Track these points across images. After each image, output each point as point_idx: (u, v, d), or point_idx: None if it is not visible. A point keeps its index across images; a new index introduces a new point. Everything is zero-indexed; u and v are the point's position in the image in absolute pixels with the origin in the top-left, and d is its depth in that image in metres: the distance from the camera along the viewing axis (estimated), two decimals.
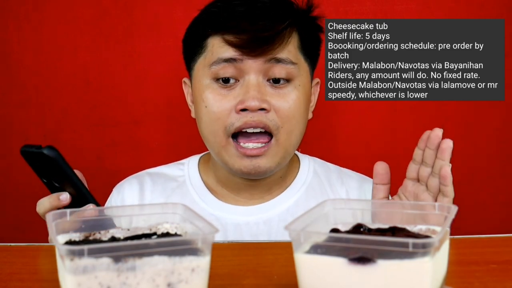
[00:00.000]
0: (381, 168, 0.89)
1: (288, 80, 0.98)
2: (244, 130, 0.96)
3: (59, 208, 0.83)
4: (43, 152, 0.76)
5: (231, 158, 0.98)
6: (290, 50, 0.97)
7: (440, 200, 0.82)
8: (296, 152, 1.13)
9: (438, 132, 0.83)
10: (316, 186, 1.08)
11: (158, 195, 1.08)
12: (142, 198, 1.09)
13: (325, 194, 1.07)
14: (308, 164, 1.11)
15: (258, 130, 0.96)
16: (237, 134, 0.97)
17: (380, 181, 0.89)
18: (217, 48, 0.97)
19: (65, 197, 0.82)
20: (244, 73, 0.96)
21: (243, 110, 0.95)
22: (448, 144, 0.81)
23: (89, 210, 0.76)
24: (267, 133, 0.97)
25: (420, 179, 0.86)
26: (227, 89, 0.97)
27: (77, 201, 0.81)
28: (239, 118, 0.95)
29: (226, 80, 0.96)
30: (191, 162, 1.12)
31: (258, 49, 0.94)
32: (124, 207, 1.01)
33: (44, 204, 0.84)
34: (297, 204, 1.05)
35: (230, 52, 0.95)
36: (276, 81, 0.97)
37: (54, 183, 0.82)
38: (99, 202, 0.91)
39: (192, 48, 1.02)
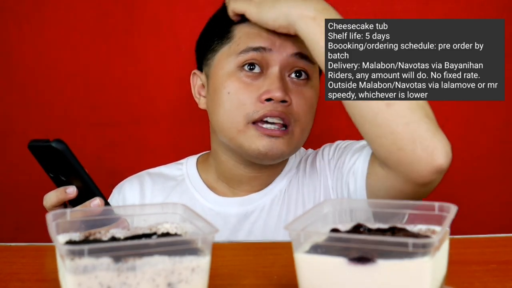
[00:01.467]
0: None
1: (307, 77, 1.01)
2: (265, 120, 0.98)
3: (65, 202, 0.84)
4: (51, 145, 0.77)
5: (249, 139, 0.98)
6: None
7: None
8: None
9: None
10: (302, 171, 1.10)
11: (158, 194, 1.10)
12: (143, 197, 1.11)
13: (312, 171, 1.09)
14: (299, 152, 1.13)
15: (278, 120, 0.98)
16: (256, 122, 0.99)
17: None
18: (245, 37, 0.99)
19: (71, 190, 0.82)
20: (269, 65, 0.98)
21: (268, 100, 0.97)
22: None
23: (96, 203, 0.78)
24: (284, 125, 0.99)
25: None
26: (251, 78, 0.98)
27: (84, 195, 0.81)
28: (264, 107, 0.97)
29: (251, 68, 0.98)
30: (189, 162, 1.15)
31: (290, 38, 0.96)
32: (124, 207, 1.01)
33: (51, 197, 0.84)
34: (287, 190, 1.07)
35: (259, 41, 0.98)
36: (298, 75, 1.00)
37: (61, 177, 0.82)
38: None
39: (215, 37, 1.03)
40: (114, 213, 0.69)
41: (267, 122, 0.98)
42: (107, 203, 0.81)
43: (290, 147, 1.01)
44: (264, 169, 1.06)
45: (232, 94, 0.99)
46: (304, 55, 0.99)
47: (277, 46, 0.98)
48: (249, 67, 0.99)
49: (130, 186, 1.13)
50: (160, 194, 1.10)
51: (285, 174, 1.09)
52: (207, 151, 1.15)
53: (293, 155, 1.11)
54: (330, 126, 1.46)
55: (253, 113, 0.97)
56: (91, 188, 0.80)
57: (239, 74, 0.99)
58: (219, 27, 1.03)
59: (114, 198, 1.12)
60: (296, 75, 1.00)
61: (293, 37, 0.96)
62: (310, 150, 1.17)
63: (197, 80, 1.09)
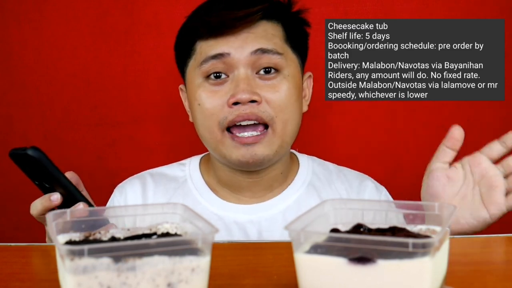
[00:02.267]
0: (458, 133, 0.91)
1: (276, 70, 0.99)
2: (238, 124, 0.97)
3: (51, 209, 0.83)
4: (27, 153, 0.77)
5: (228, 150, 0.99)
6: (276, 42, 1.00)
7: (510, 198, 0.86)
8: (295, 152, 1.14)
9: None
10: (316, 184, 1.08)
11: (160, 196, 1.09)
12: (145, 199, 1.09)
13: (325, 192, 1.07)
14: (307, 163, 1.12)
15: (251, 122, 0.97)
16: (231, 128, 0.99)
17: (452, 145, 0.90)
18: (205, 48, 1.00)
19: (56, 197, 0.82)
20: (233, 68, 0.98)
21: (235, 104, 0.96)
22: None
23: (79, 209, 0.76)
24: (262, 124, 0.98)
25: (505, 167, 0.88)
26: (218, 86, 0.99)
27: (68, 201, 0.81)
28: (232, 112, 0.97)
29: (217, 76, 0.99)
30: (192, 163, 1.13)
31: (236, 27, 0.97)
32: (126, 207, 1.01)
33: (36, 206, 0.84)
34: (298, 202, 1.06)
35: (216, 48, 0.98)
36: (266, 71, 0.99)
37: (45, 184, 0.82)
38: (100, 201, 0.91)
39: (183, 54, 1.05)
40: (103, 216, 0.68)
41: (241, 127, 0.97)
42: (91, 207, 0.81)
43: (274, 147, 0.99)
44: (261, 173, 1.05)
45: (202, 105, 0.99)
46: (265, 49, 0.98)
47: (235, 48, 0.97)
48: (214, 75, 0.99)
49: (131, 187, 1.11)
50: (163, 196, 1.09)
51: (297, 188, 1.08)
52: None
53: (305, 162, 1.11)
54: (330, 126, 1.46)
55: (223, 119, 0.97)
56: (73, 193, 0.80)
57: (206, 84, 0.99)
58: (184, 43, 1.04)
59: (116, 199, 1.11)
60: (264, 71, 0.99)
61: (252, 34, 0.97)
62: (321, 161, 1.15)
63: (184, 94, 1.09)
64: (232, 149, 0.98)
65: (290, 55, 1.02)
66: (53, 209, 0.83)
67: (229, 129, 0.98)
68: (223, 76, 0.99)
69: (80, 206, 0.80)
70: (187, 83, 1.05)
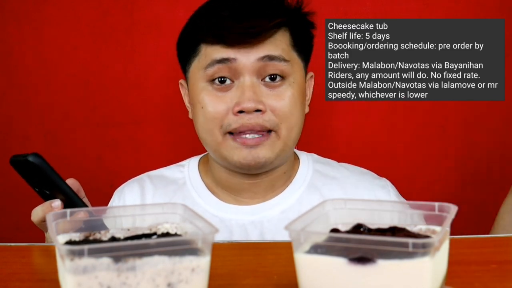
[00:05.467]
0: None
1: (282, 77, 0.98)
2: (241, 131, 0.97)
3: None
4: (27, 159, 0.76)
5: (230, 151, 0.98)
6: (283, 48, 0.98)
7: None
8: (294, 149, 1.13)
9: None
10: (317, 182, 1.07)
11: (159, 199, 1.08)
12: (144, 202, 1.08)
13: (328, 191, 1.06)
14: (307, 161, 1.11)
15: (253, 133, 0.97)
16: (232, 133, 0.98)
17: None
18: (210, 51, 0.98)
19: (57, 204, 0.82)
20: (239, 74, 0.97)
21: (240, 112, 0.95)
22: None
23: (81, 213, 0.76)
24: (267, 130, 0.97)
25: None
26: (223, 91, 0.97)
27: (69, 207, 0.81)
28: (236, 120, 0.96)
29: (222, 81, 0.97)
30: (191, 164, 1.12)
31: (247, 43, 0.95)
32: (124, 207, 1.01)
33: (37, 213, 0.84)
34: (300, 202, 1.04)
35: (222, 53, 0.96)
36: (272, 78, 0.97)
37: (45, 191, 0.82)
38: (100, 202, 0.91)
39: (186, 52, 1.03)
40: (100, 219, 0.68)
41: (244, 133, 0.97)
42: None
43: (276, 150, 0.98)
44: (263, 175, 1.03)
45: (205, 108, 0.98)
46: (273, 56, 0.97)
47: (242, 54, 0.96)
48: (219, 79, 0.98)
49: (130, 191, 1.10)
50: (162, 199, 1.07)
51: (298, 187, 1.06)
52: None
53: (305, 159, 1.10)
54: (330, 126, 1.46)
55: (227, 125, 0.97)
56: (74, 200, 0.80)
57: (210, 88, 0.98)
58: (188, 42, 1.02)
59: (115, 203, 1.10)
60: (270, 79, 0.98)
61: (259, 41, 0.95)
62: (320, 158, 1.13)
63: (185, 90, 1.08)
64: (234, 151, 0.98)
65: (296, 61, 1.00)
66: None
67: (231, 132, 0.98)
68: (228, 81, 0.97)
69: (81, 214, 0.80)
70: (190, 82, 1.03)
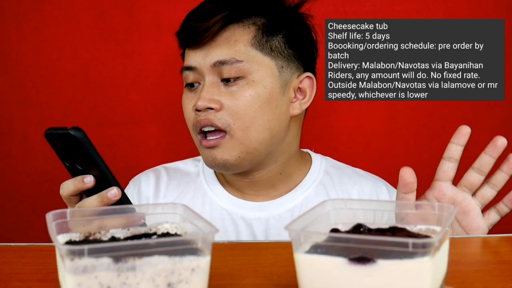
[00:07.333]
0: (409, 176, 0.86)
1: (240, 78, 0.99)
2: (202, 129, 1.01)
3: (82, 191, 0.84)
4: (69, 132, 0.76)
5: (201, 151, 1.04)
6: (238, 48, 0.99)
7: (488, 217, 0.87)
8: (310, 152, 1.14)
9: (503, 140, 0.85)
10: (327, 184, 1.09)
11: (172, 189, 1.11)
12: (158, 192, 1.12)
13: (335, 193, 1.08)
14: (320, 163, 1.12)
15: (212, 128, 0.99)
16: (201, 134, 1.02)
17: (409, 190, 0.87)
18: (185, 57, 1.05)
19: (89, 179, 0.82)
20: (202, 77, 1.02)
21: (198, 110, 1.00)
22: None
23: (113, 192, 0.79)
24: (223, 131, 1.00)
25: (468, 186, 0.88)
26: (192, 92, 1.03)
27: (101, 184, 0.81)
28: (195, 118, 1.01)
29: (191, 85, 1.04)
30: None
31: (198, 43, 1.00)
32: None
33: (68, 186, 0.84)
34: (307, 202, 1.06)
35: (188, 61, 1.02)
36: (227, 80, 1.00)
37: (77, 166, 0.81)
38: None
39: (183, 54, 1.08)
40: (133, 209, 0.68)
41: (207, 132, 1.01)
42: (123, 193, 0.81)
43: (235, 153, 0.99)
44: (254, 175, 1.06)
45: (183, 110, 1.05)
46: (223, 61, 0.99)
47: (199, 62, 1.00)
48: (189, 84, 1.04)
49: (146, 179, 1.14)
50: (175, 189, 1.11)
51: (307, 187, 1.08)
52: None
53: (318, 162, 1.11)
54: (330, 126, 1.46)
55: (192, 124, 1.03)
56: (108, 177, 0.80)
57: (186, 90, 1.05)
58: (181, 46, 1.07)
59: (130, 191, 1.14)
60: (226, 80, 1.00)
61: (213, 44, 0.99)
62: (335, 162, 1.15)
63: None
64: (202, 151, 1.03)
65: (259, 59, 1.00)
66: (84, 191, 0.84)
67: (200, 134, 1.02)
68: (196, 84, 1.03)
69: (114, 190, 0.80)
70: None
